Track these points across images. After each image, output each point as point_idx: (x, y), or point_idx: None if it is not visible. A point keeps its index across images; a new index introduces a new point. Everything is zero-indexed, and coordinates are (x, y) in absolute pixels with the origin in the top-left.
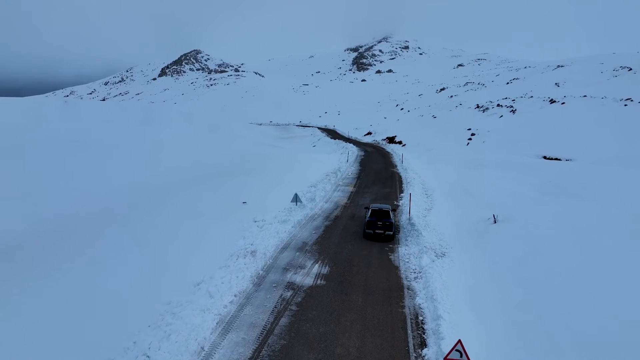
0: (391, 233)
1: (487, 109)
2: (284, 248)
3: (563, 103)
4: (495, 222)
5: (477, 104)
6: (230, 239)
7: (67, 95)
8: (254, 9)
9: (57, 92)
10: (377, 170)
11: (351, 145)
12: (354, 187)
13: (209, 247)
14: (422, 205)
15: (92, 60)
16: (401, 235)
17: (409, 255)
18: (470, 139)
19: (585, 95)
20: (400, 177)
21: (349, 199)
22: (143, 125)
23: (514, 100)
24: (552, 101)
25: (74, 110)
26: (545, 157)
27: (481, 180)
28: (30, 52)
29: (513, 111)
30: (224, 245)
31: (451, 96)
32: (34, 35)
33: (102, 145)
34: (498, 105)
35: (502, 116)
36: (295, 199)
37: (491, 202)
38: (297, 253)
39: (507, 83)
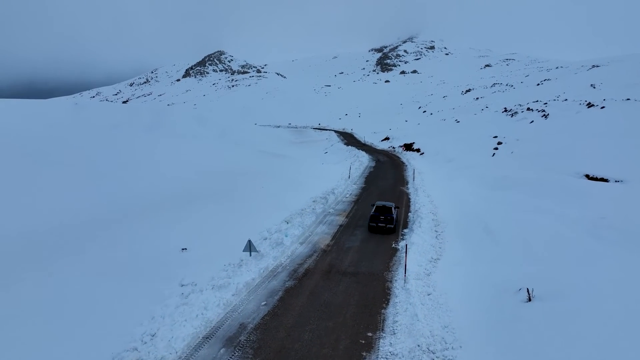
0: (392, 226)
1: (516, 113)
2: (207, 338)
3: (603, 107)
4: (529, 300)
5: (505, 108)
6: (128, 322)
7: (93, 97)
8: (280, 11)
9: (84, 93)
10: (383, 190)
11: (363, 153)
12: (347, 216)
13: (85, 342)
14: (428, 253)
15: (123, 62)
16: (389, 311)
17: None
18: (496, 148)
19: (628, 99)
20: (409, 201)
21: (333, 238)
22: (150, 130)
23: (545, 103)
24: (589, 105)
25: (83, 113)
26: (588, 177)
27: (509, 210)
28: (65, 54)
29: (545, 116)
30: (110, 335)
31: (477, 98)
32: (69, 38)
33: (58, 159)
34: (528, 109)
35: (532, 122)
36: (249, 248)
37: (523, 253)
38: (222, 350)
39: (538, 84)
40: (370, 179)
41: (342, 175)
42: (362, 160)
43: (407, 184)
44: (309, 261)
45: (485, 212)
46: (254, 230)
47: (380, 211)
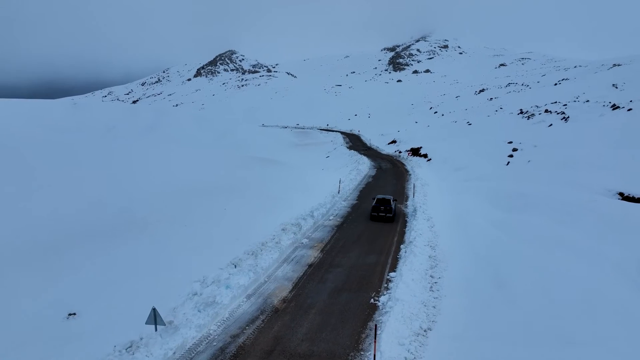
0: (391, 215)
1: (533, 115)
2: None
3: (630, 109)
4: None
5: (521, 109)
6: None
7: (105, 96)
8: (293, 10)
9: (96, 92)
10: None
11: (365, 159)
12: (322, 250)
13: None
14: (416, 319)
15: (140, 61)
16: None
17: None
18: (511, 155)
19: None
20: (404, 226)
21: (294, 287)
22: (147, 132)
23: (565, 104)
24: (614, 107)
25: (80, 114)
26: (622, 195)
27: (527, 245)
28: (84, 54)
29: (565, 119)
30: None
31: (491, 98)
32: (89, 38)
33: (20, 167)
34: (546, 110)
35: (551, 125)
36: (153, 319)
37: (548, 325)
38: None
39: (555, 84)
40: (365, 194)
41: (331, 190)
42: (361, 169)
43: (406, 201)
44: (249, 331)
45: (497, 249)
46: (185, 280)
47: (380, 203)
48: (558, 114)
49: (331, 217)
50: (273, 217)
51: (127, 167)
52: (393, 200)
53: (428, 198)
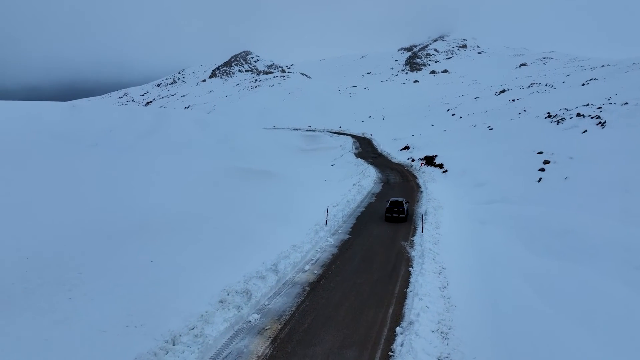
0: (403, 216)
1: (563, 119)
2: None
3: None
4: None
5: (548, 112)
6: None
7: (121, 97)
8: (310, 11)
9: (112, 93)
10: (372, 254)
11: (372, 170)
12: (274, 340)
13: None
14: None
15: (159, 63)
16: None
17: None
18: (542, 169)
19: None
20: (405, 286)
21: None
22: (145, 136)
23: (599, 107)
24: None
25: (78, 117)
26: None
27: (595, 340)
28: (105, 55)
29: (602, 124)
30: None
31: (513, 100)
32: (110, 39)
33: None
34: (578, 114)
35: (586, 131)
36: None
37: None
38: None
39: (583, 84)
40: (363, 222)
41: (316, 220)
42: (364, 184)
43: (413, 235)
44: None
45: (549, 343)
46: None
47: (394, 205)
48: (592, 118)
49: (307, 267)
50: (217, 274)
51: (54, 189)
52: (405, 202)
53: (441, 231)
